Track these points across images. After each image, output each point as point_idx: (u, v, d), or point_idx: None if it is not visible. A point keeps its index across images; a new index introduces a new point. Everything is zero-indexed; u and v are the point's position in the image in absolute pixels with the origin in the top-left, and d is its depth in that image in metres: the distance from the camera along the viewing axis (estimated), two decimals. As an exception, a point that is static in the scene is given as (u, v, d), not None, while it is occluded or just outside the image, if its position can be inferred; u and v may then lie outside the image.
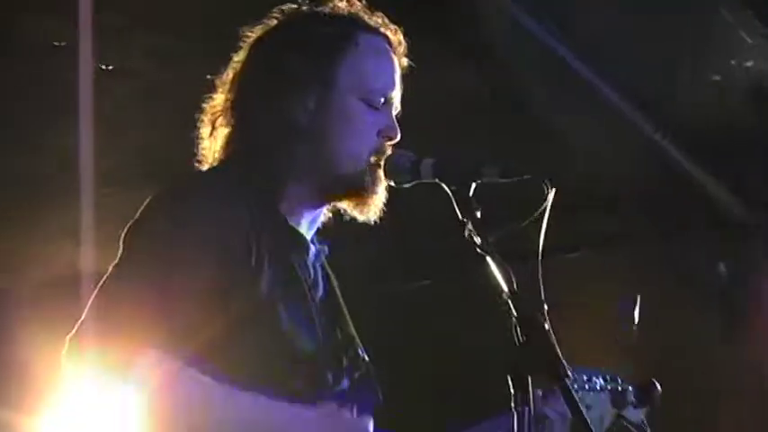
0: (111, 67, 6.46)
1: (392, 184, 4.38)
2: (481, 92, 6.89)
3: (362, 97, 4.43)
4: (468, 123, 6.05)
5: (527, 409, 3.67)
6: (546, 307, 3.81)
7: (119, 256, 4.17)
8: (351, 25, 4.50)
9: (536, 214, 3.97)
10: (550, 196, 3.95)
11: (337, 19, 4.51)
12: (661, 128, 8.19)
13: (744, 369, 9.44)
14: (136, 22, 6.06)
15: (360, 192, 4.43)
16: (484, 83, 7.06)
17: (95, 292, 4.10)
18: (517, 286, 3.77)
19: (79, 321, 4.05)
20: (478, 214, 3.99)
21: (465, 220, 3.97)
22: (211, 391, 4.01)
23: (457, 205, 4.01)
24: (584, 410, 3.95)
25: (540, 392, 3.99)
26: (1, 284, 8.55)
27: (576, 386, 4.14)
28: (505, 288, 3.80)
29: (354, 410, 4.37)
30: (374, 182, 4.41)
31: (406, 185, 4.30)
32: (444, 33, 4.92)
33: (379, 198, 4.45)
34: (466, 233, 3.97)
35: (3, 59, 7.25)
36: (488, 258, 3.88)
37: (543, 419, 4.17)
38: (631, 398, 4.68)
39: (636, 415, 4.68)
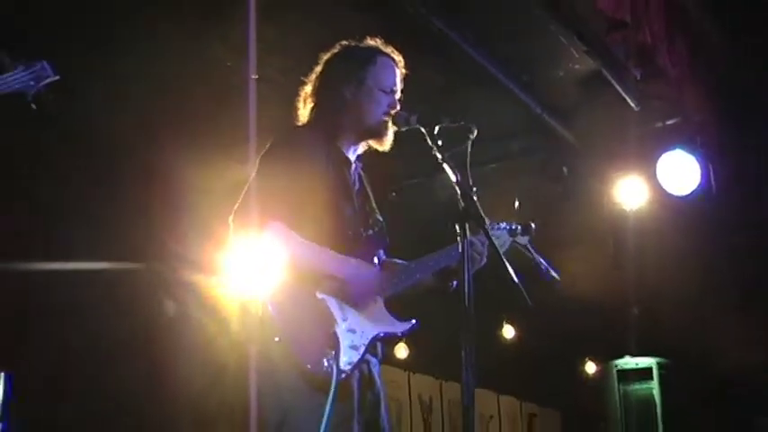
0: (256, 77, 6.61)
1: (396, 128, 4.51)
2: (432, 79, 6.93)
3: (380, 89, 4.59)
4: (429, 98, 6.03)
5: (467, 240, 3.81)
6: (475, 189, 3.94)
7: (256, 169, 4.40)
8: (374, 52, 4.69)
9: (468, 143, 4.13)
10: (474, 133, 4.15)
11: (367, 49, 4.71)
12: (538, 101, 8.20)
13: (579, 219, 9.49)
14: (271, 51, 6.14)
15: (379, 135, 4.62)
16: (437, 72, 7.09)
17: (244, 189, 4.35)
18: (461, 176, 3.94)
19: (236, 204, 4.27)
20: (440, 143, 4.11)
21: (432, 146, 4.11)
22: (305, 246, 4.22)
23: (428, 138, 4.15)
24: (494, 241, 4.11)
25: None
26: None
27: (490, 228, 4.24)
28: (454, 179, 3.94)
29: (376, 245, 4.60)
30: (386, 130, 4.59)
31: (403, 129, 4.44)
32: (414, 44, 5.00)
33: (389, 139, 4.62)
34: (433, 152, 4.10)
35: (199, 74, 7.33)
36: (445, 165, 4.01)
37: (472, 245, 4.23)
38: (519, 231, 4.78)
39: (523, 240, 4.80)
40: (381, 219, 4.69)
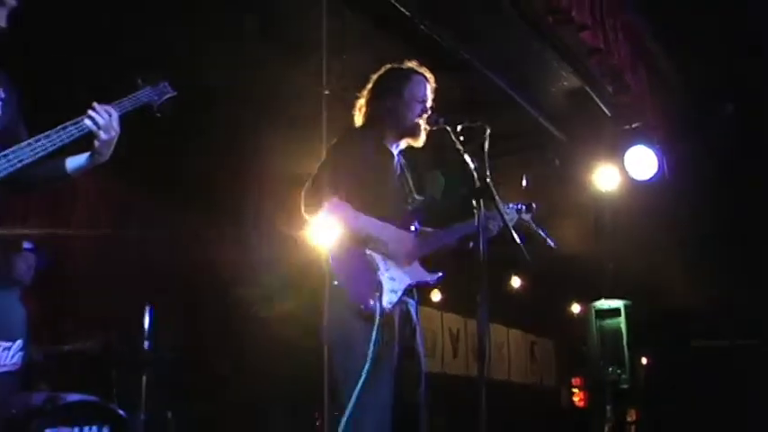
0: (327, 92, 6.49)
1: (427, 127, 4.37)
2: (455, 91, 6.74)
3: (415, 99, 4.47)
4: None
5: (482, 211, 3.84)
6: (489, 172, 3.88)
7: (323, 158, 4.33)
8: (410, 71, 4.56)
9: (483, 138, 3.95)
10: (488, 132, 3.95)
11: (405, 69, 4.58)
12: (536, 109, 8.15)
13: (568, 197, 9.45)
14: (337, 75, 6.05)
15: (414, 135, 4.48)
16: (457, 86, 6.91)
17: (314, 173, 4.23)
18: (477, 164, 3.88)
19: (306, 185, 4.16)
20: (461, 138, 4.01)
21: (455, 141, 4.01)
22: (357, 215, 4.11)
23: (452, 135, 4.04)
24: (504, 215, 4.08)
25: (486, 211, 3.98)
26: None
27: (501, 207, 4.11)
28: (472, 166, 3.87)
29: (413, 217, 4.46)
30: (420, 131, 4.46)
31: (434, 128, 4.27)
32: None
33: (422, 138, 4.49)
34: (456, 146, 4.00)
35: (287, 91, 7.42)
36: (466, 156, 3.93)
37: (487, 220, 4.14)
38: (524, 210, 4.65)
39: (527, 216, 4.65)
40: (417, 198, 4.56)
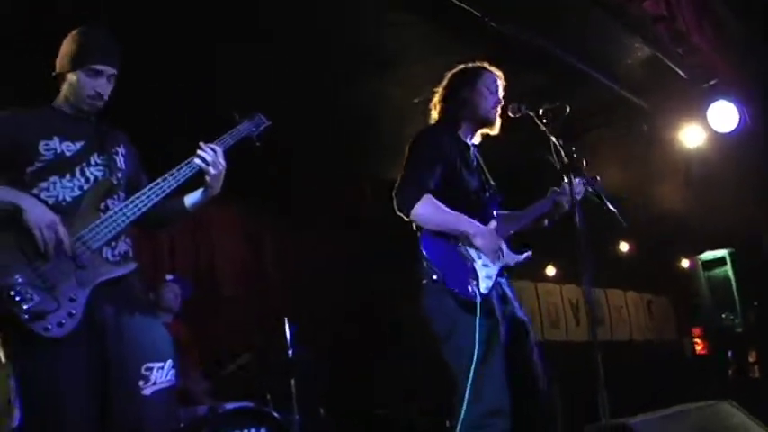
0: (417, 101, 6.49)
1: (510, 115, 4.27)
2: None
3: (488, 89, 4.43)
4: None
5: (572, 187, 3.93)
6: (573, 149, 3.90)
7: (406, 156, 4.25)
8: (482, 67, 4.52)
9: (563, 118, 3.99)
10: (568, 110, 3.96)
11: (477, 67, 4.53)
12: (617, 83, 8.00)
13: (659, 158, 9.24)
14: (423, 84, 5.82)
15: (490, 123, 4.46)
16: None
17: (401, 173, 4.21)
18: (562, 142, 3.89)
19: (396, 185, 4.15)
20: (544, 120, 4.02)
21: (539, 123, 4.02)
22: (446, 212, 4.04)
23: (536, 118, 4.04)
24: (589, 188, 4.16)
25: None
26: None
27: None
28: (558, 145, 3.90)
29: (492, 204, 4.39)
30: (495, 119, 4.45)
31: (517, 115, 4.19)
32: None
33: (497, 126, 4.47)
34: (541, 128, 4.00)
35: (382, 104, 7.66)
36: (552, 137, 3.94)
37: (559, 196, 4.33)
38: (592, 181, 4.40)
39: (599, 188, 4.40)
40: (494, 184, 4.51)
